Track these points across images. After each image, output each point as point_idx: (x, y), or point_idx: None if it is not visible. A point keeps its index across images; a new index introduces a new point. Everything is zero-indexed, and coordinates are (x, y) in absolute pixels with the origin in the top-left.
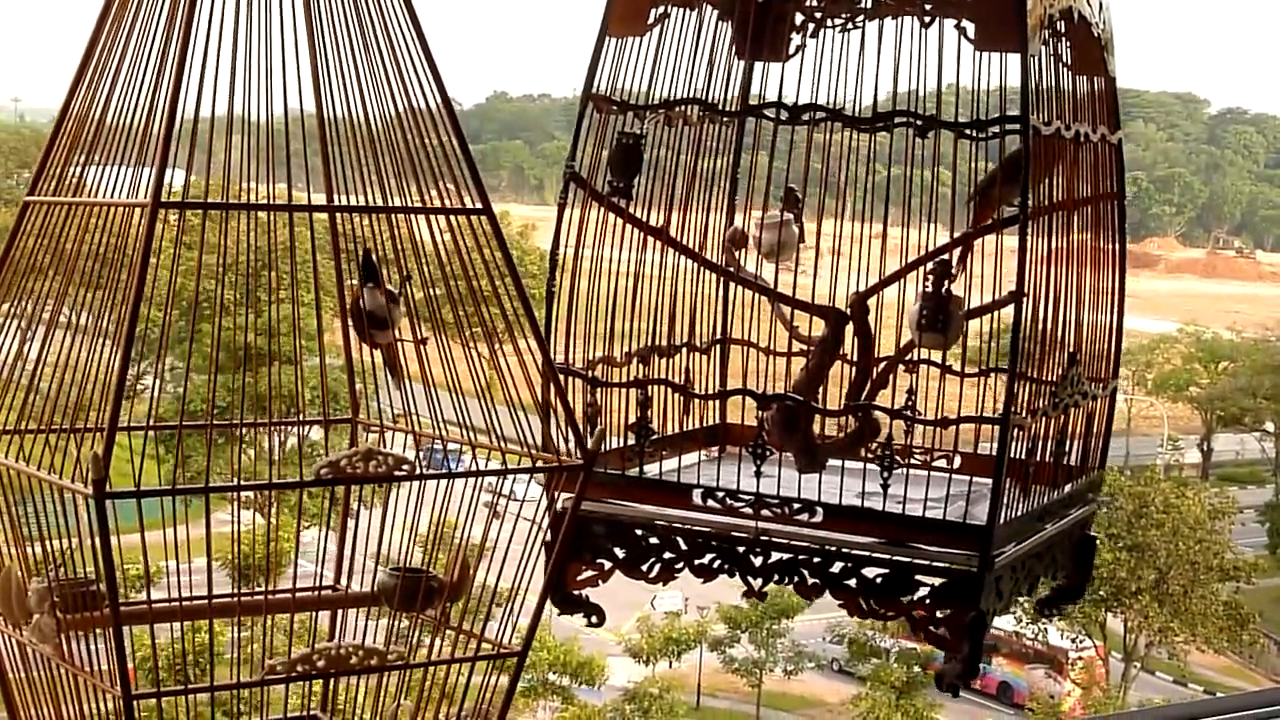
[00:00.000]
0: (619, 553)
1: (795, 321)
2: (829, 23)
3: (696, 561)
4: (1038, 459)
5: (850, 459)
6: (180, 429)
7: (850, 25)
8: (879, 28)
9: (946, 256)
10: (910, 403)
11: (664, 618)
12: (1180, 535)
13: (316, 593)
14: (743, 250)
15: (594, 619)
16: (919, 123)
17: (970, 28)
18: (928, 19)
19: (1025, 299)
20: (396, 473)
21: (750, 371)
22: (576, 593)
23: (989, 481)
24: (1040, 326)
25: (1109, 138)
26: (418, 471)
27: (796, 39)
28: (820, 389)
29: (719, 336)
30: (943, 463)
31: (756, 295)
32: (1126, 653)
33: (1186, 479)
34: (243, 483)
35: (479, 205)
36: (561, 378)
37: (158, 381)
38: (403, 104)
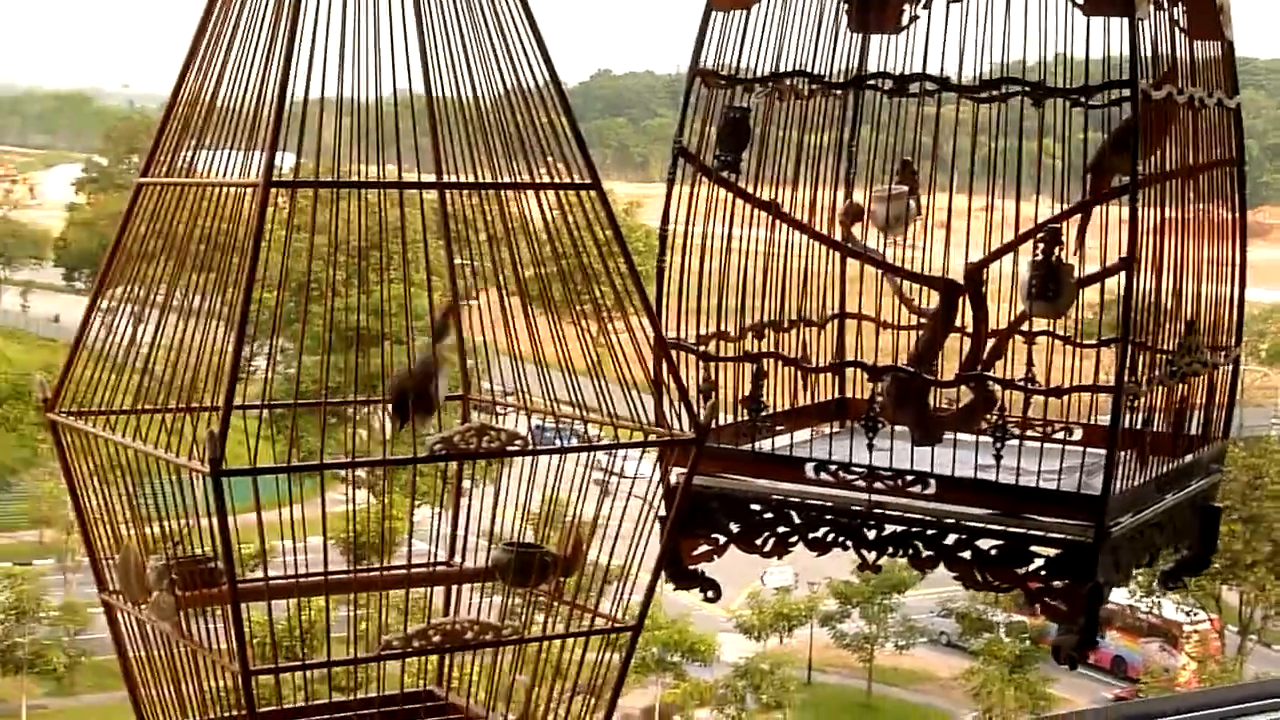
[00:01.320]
0: (734, 527)
1: (910, 295)
2: None
3: (811, 535)
4: (1154, 428)
5: (966, 431)
6: (295, 408)
7: None
8: None
9: (1056, 225)
10: (1027, 374)
11: (775, 593)
12: None
13: (431, 569)
14: (858, 224)
15: (709, 594)
16: (1028, 90)
17: None
18: None
19: (1136, 266)
20: (509, 448)
21: (866, 345)
22: (691, 568)
23: (1101, 452)
24: (1154, 295)
25: (1226, 102)
26: (530, 447)
27: (908, 10)
28: (935, 361)
29: (836, 311)
30: (1061, 435)
31: (872, 269)
32: (1242, 626)
33: None
34: (357, 459)
35: (588, 180)
36: (674, 354)
37: (270, 363)
38: (511, 83)
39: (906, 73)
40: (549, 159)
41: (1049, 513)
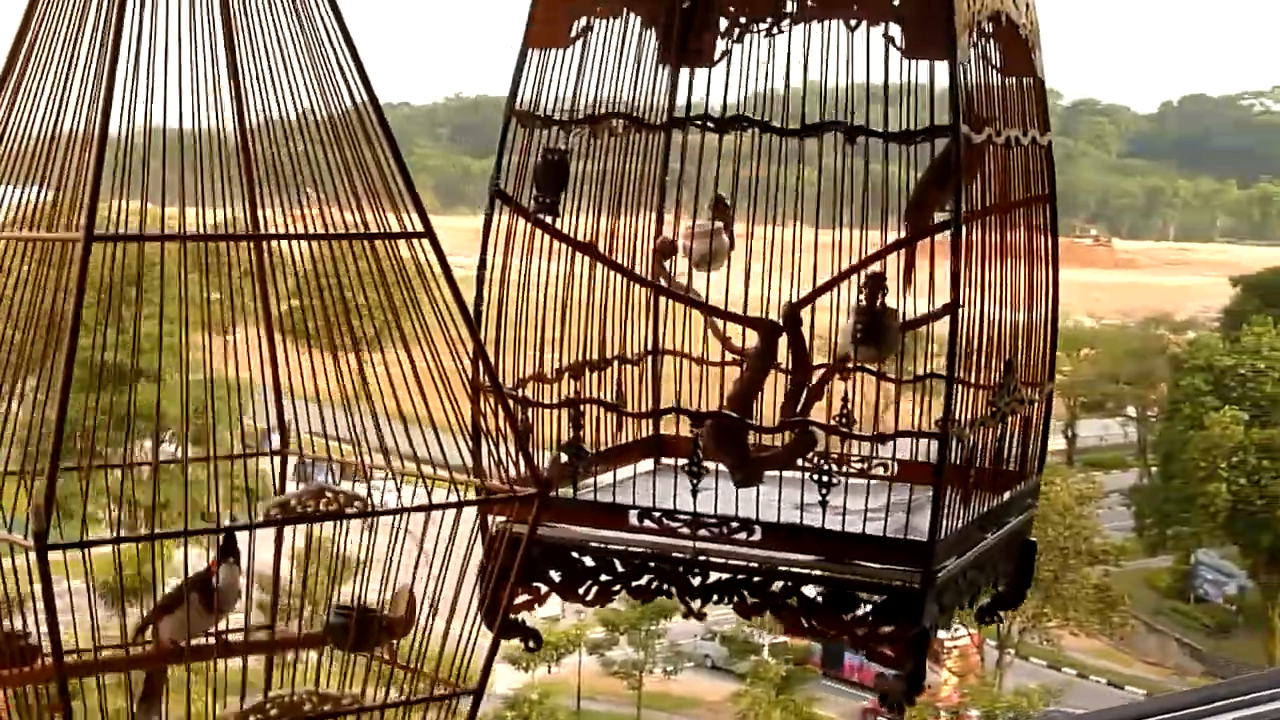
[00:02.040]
0: (555, 576)
1: (728, 333)
2: (754, 28)
3: (634, 583)
4: (976, 468)
5: (788, 469)
6: (93, 470)
7: (775, 30)
8: (805, 33)
9: (879, 269)
10: (847, 414)
11: (542, 622)
12: (1049, 521)
13: (253, 636)
14: (671, 260)
15: (531, 644)
16: (847, 133)
17: (898, 34)
18: (853, 23)
19: (961, 309)
20: (348, 510)
21: (684, 381)
22: (513, 618)
23: (929, 489)
24: (977, 333)
25: (1039, 140)
26: (370, 508)
27: (722, 44)
28: (754, 401)
29: (650, 348)
30: (880, 470)
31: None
32: (1000, 640)
33: (1053, 465)
34: (191, 529)
35: (419, 229)
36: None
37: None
38: (327, 110)
39: (724, 113)
40: (371, 200)
41: (876, 558)
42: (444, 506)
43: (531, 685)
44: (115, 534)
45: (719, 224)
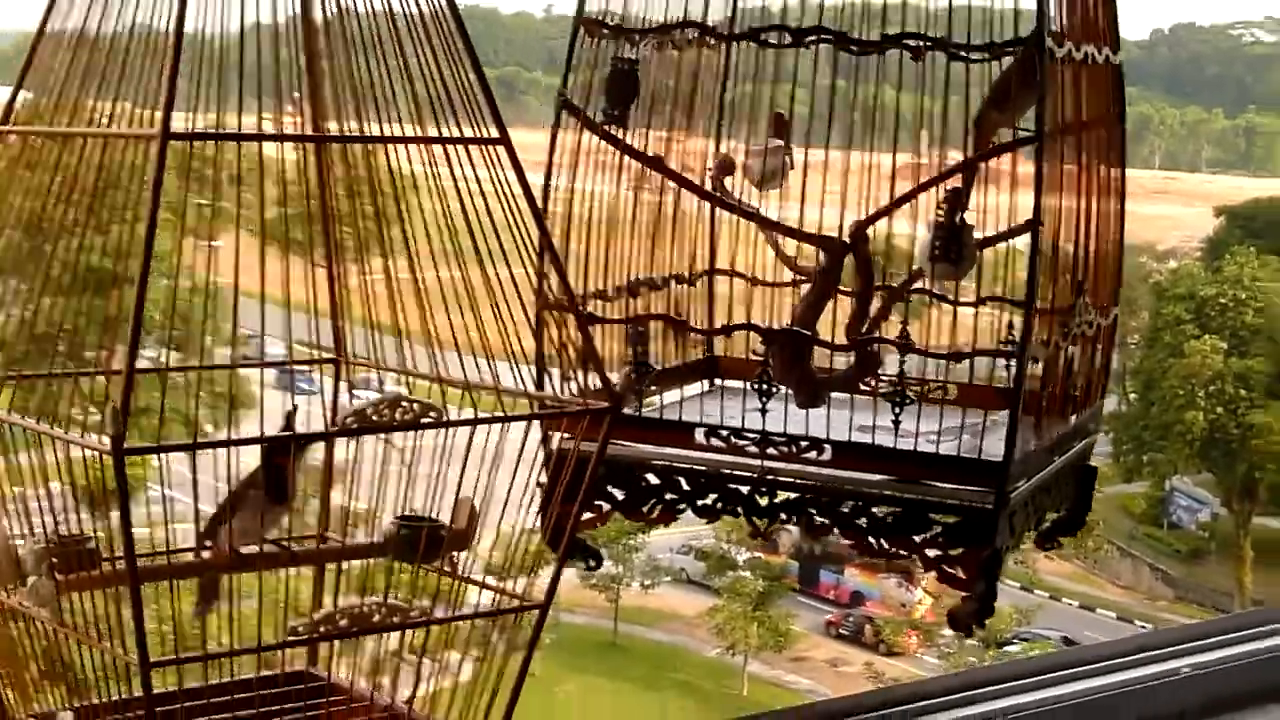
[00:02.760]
0: (618, 494)
1: (791, 252)
2: None
3: (699, 502)
4: (1050, 391)
5: (853, 392)
6: (165, 373)
7: None
8: None
9: (959, 184)
10: (905, 334)
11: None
12: None
13: (318, 544)
14: (730, 178)
15: (592, 563)
16: (927, 46)
17: None
18: None
19: (1040, 228)
20: (423, 420)
21: (738, 302)
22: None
23: (996, 414)
24: (1051, 255)
25: (1112, 58)
26: (445, 418)
27: None
28: (817, 322)
29: (706, 268)
30: (947, 392)
31: (744, 224)
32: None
33: None
34: (268, 435)
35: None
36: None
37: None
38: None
39: (801, 25)
40: (446, 105)
41: (948, 479)
42: (519, 418)
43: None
44: (193, 439)
45: (778, 142)
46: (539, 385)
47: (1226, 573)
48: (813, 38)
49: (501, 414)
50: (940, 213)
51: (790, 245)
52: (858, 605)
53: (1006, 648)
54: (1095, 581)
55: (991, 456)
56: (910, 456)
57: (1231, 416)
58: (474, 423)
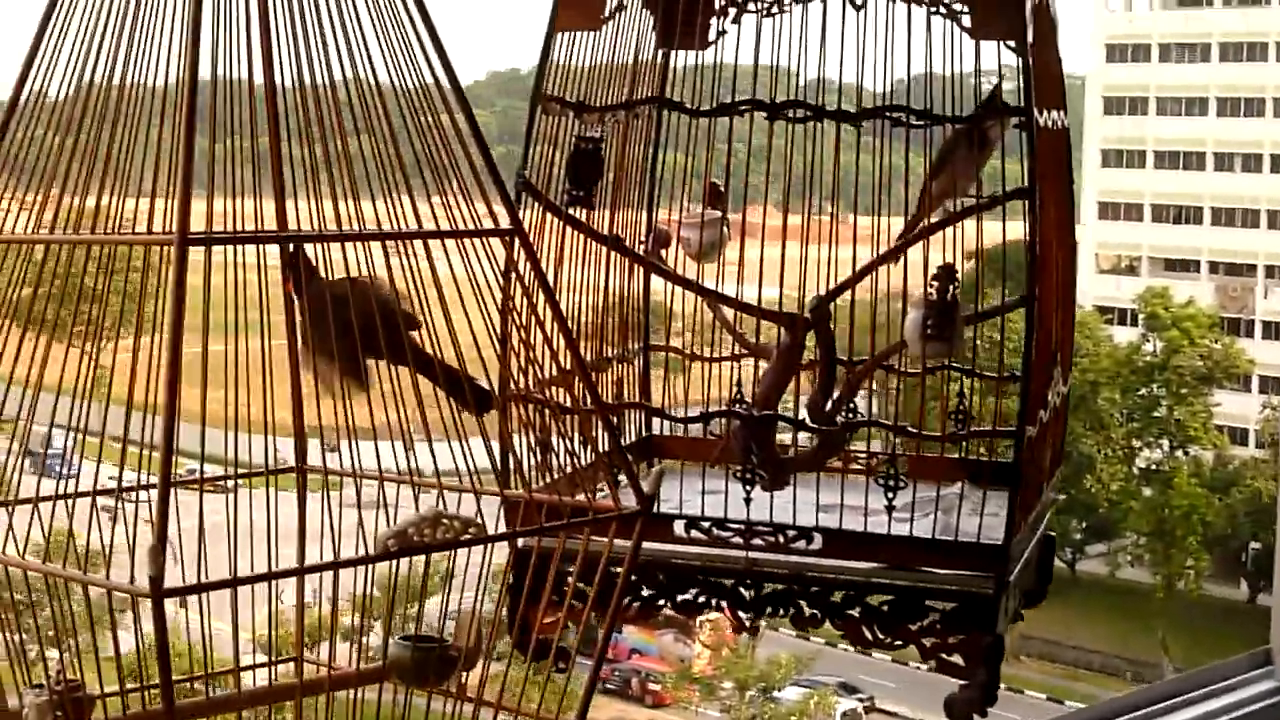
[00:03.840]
0: (588, 591)
1: (738, 327)
2: (753, 6)
3: (680, 597)
4: (1038, 466)
5: (817, 471)
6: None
7: (778, 9)
8: (859, 15)
9: (950, 261)
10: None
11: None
12: None
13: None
14: (666, 250)
15: (560, 665)
16: (913, 118)
17: (963, 14)
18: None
19: (1035, 301)
20: (463, 537)
21: (675, 379)
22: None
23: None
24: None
25: (1061, 121)
26: (484, 533)
27: (715, 25)
28: (779, 401)
29: (643, 344)
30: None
31: (680, 298)
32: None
33: None
34: (307, 566)
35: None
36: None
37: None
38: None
39: (773, 98)
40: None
41: (944, 563)
42: (557, 527)
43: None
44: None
45: (716, 213)
46: (504, 479)
47: None
48: (785, 115)
49: (539, 525)
50: (932, 290)
51: (739, 317)
52: (633, 660)
53: (785, 694)
54: None
55: (989, 539)
56: (904, 541)
57: None
58: (516, 535)
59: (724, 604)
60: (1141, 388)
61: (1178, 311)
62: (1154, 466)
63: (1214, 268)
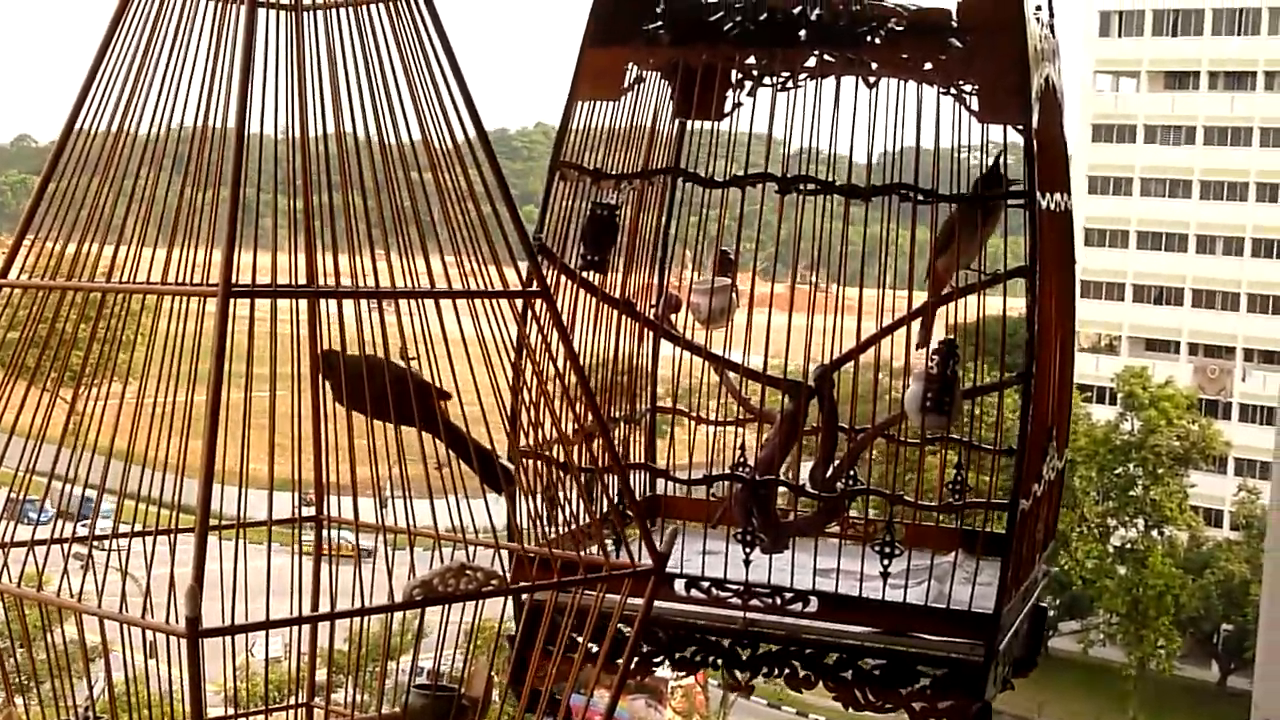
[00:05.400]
0: (591, 646)
1: (743, 392)
2: (770, 79)
3: (677, 654)
4: (1031, 538)
5: (815, 536)
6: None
7: (792, 84)
8: (870, 94)
9: (950, 336)
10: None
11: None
12: None
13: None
14: (675, 315)
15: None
16: (917, 195)
17: (972, 99)
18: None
19: (1034, 377)
20: (486, 588)
21: (679, 442)
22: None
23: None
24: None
25: (1064, 204)
26: (506, 585)
27: (731, 97)
28: (782, 466)
29: (650, 407)
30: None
31: (688, 362)
32: (723, 680)
33: None
34: (338, 612)
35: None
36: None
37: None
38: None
39: (785, 172)
40: (470, 250)
41: (935, 630)
42: (573, 582)
43: None
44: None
45: (725, 280)
46: (510, 535)
47: None
48: (801, 186)
49: (555, 580)
50: (932, 364)
51: (744, 382)
52: None
53: None
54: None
55: (981, 608)
56: (898, 607)
57: None
58: (538, 588)
59: (720, 661)
60: (1118, 466)
61: (1156, 391)
62: (1129, 545)
63: (1193, 349)
